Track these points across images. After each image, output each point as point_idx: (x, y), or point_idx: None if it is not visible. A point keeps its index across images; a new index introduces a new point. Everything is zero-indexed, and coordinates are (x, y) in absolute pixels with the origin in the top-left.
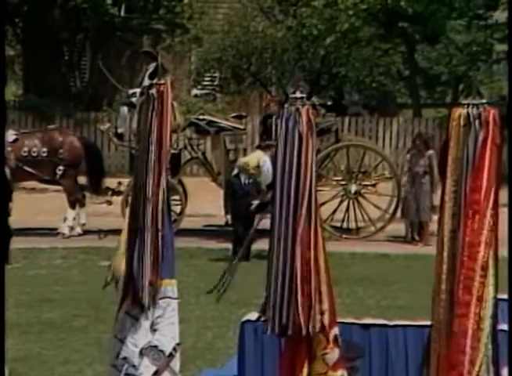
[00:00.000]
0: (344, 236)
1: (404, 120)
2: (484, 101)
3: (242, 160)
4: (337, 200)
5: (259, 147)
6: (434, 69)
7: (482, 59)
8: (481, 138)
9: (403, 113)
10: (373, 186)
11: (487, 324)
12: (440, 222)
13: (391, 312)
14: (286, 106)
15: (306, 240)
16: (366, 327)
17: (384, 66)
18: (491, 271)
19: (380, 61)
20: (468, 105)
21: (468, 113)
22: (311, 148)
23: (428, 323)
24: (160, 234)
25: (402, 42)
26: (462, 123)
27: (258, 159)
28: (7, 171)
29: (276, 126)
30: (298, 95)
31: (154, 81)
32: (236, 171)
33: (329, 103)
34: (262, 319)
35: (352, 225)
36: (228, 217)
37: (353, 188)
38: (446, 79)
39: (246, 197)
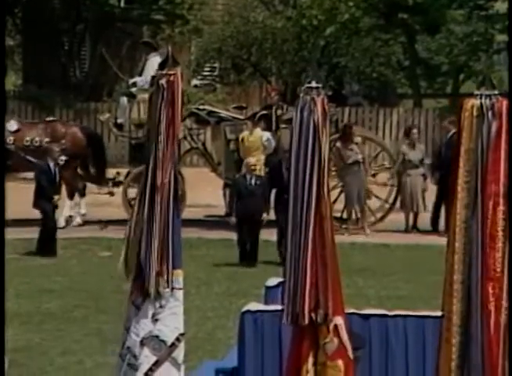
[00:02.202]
0: (343, 226)
1: (404, 110)
2: (496, 92)
3: (250, 159)
4: (337, 191)
5: (251, 119)
6: (434, 59)
7: (483, 49)
8: (494, 129)
9: (403, 104)
10: (373, 176)
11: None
12: (452, 212)
13: (391, 303)
14: (301, 95)
15: (315, 228)
16: (366, 317)
17: (384, 56)
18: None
19: (381, 51)
20: (481, 95)
21: (481, 103)
22: (326, 137)
23: (428, 313)
24: (168, 224)
25: (402, 33)
26: (475, 114)
27: (261, 138)
28: (51, 164)
29: (277, 116)
30: (314, 84)
31: (164, 71)
32: (243, 171)
33: (330, 93)
34: (280, 308)
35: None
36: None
37: None
38: (446, 69)
39: (251, 198)
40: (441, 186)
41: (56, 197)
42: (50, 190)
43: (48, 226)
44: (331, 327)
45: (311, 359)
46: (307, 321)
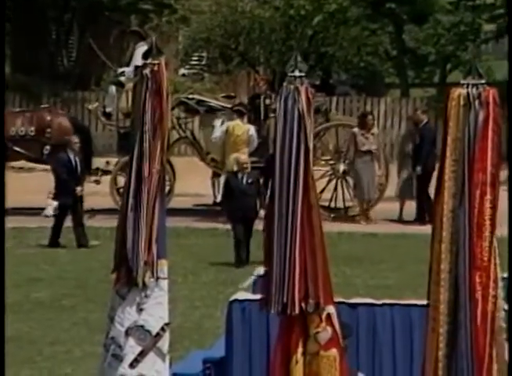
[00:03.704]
0: (332, 215)
1: (392, 99)
2: (483, 81)
3: (242, 157)
4: (325, 180)
5: (235, 111)
6: (421, 49)
7: (470, 39)
8: (481, 118)
9: (391, 93)
10: None
11: (500, 306)
12: (439, 201)
13: (379, 292)
14: (284, 84)
15: (303, 217)
16: (354, 306)
17: (371, 46)
18: (496, 251)
19: (368, 41)
20: (468, 85)
21: (468, 93)
22: (310, 126)
23: (415, 302)
24: (154, 214)
25: (390, 22)
26: (461, 103)
27: (247, 131)
28: (71, 155)
29: (265, 105)
30: (297, 73)
31: (148, 60)
32: (234, 168)
33: (317, 82)
34: (263, 298)
35: (340, 204)
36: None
37: (341, 167)
38: (434, 59)
39: (245, 198)
40: (420, 176)
41: (79, 189)
42: (71, 183)
43: (59, 220)
44: (324, 316)
45: (300, 349)
46: (297, 310)
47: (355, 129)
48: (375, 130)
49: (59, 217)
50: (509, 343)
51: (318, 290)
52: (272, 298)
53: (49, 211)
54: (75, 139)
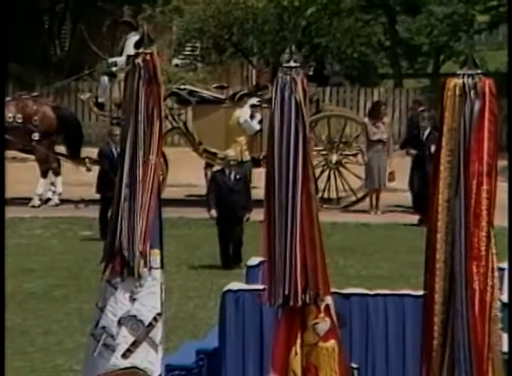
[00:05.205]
0: (324, 205)
1: (385, 90)
2: (479, 71)
3: (229, 153)
4: (318, 170)
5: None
6: (415, 39)
7: (463, 29)
8: (477, 108)
9: (384, 84)
10: (354, 155)
11: (497, 295)
12: (434, 191)
13: (372, 282)
14: (280, 75)
15: (303, 208)
16: (347, 296)
17: (365, 36)
18: (493, 240)
19: (361, 32)
20: (463, 75)
21: (463, 83)
22: (307, 116)
23: (408, 292)
24: (150, 204)
25: (383, 13)
26: (457, 93)
27: (238, 119)
28: (113, 148)
29: (260, 96)
30: (292, 64)
31: (140, 50)
32: (220, 166)
33: (311, 73)
34: (262, 289)
35: (333, 194)
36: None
37: (334, 158)
38: (427, 50)
39: (232, 195)
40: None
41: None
42: (113, 175)
43: (105, 211)
44: (322, 307)
45: (299, 341)
46: (300, 302)
47: (366, 119)
48: (386, 119)
49: (104, 209)
50: (509, 336)
51: (317, 281)
52: (273, 290)
53: (36, 202)
54: (116, 131)
